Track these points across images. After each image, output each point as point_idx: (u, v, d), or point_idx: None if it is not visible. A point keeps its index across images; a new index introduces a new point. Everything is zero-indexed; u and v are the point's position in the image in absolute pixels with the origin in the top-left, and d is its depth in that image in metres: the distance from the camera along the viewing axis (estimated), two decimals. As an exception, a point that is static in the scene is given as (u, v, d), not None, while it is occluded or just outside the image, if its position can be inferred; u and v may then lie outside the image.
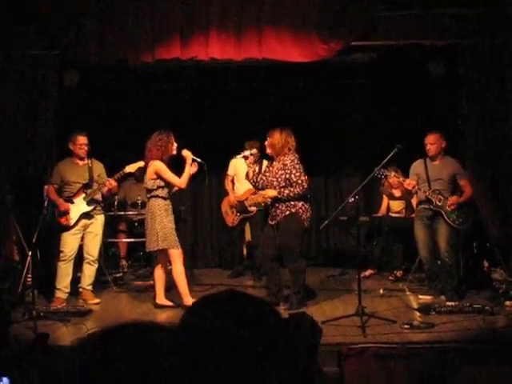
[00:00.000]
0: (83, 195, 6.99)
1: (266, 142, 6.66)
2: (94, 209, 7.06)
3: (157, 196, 6.59)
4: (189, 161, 6.65)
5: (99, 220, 7.17)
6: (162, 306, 6.69)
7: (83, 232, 7.05)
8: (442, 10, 7.01)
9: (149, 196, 6.65)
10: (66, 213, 6.90)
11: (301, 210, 6.46)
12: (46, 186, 7.17)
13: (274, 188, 6.51)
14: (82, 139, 7.03)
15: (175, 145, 6.66)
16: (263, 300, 1.26)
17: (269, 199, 6.69)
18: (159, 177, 6.55)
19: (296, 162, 6.52)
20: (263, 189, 6.71)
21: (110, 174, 7.13)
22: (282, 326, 1.15)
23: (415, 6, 7.00)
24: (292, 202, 6.45)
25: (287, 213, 6.46)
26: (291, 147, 6.58)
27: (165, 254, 6.70)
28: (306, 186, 6.50)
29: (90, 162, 7.14)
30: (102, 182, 7.02)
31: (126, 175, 7.16)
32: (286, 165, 6.50)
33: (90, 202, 7.00)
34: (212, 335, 0.93)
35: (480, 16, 6.94)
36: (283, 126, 6.63)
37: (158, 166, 6.55)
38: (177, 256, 6.62)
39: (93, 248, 7.12)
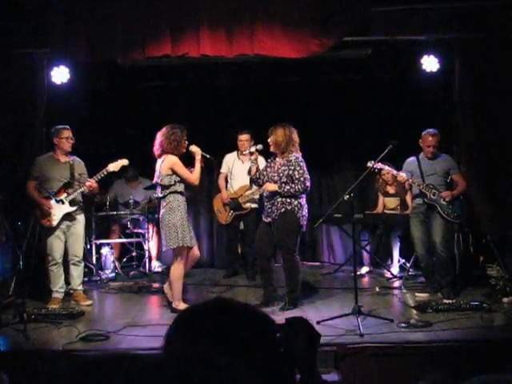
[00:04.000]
0: (65, 195, 6.84)
1: (270, 140, 6.46)
2: (76, 210, 6.93)
3: (175, 191, 6.34)
4: (198, 157, 6.46)
5: (80, 220, 7.02)
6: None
7: (66, 233, 6.92)
8: (436, 4, 6.93)
9: (167, 192, 6.35)
10: (49, 213, 6.76)
11: (296, 208, 6.35)
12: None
13: (275, 183, 6.40)
14: (67, 132, 6.90)
15: (186, 143, 6.46)
16: (254, 309, 1.16)
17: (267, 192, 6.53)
18: (174, 172, 6.36)
19: (300, 159, 6.41)
20: (263, 184, 6.58)
21: (94, 173, 6.97)
22: (276, 337, 1.06)
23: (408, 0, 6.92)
24: (288, 200, 6.34)
25: (282, 210, 6.35)
26: (295, 144, 6.47)
27: (185, 250, 6.42)
28: (308, 185, 6.39)
29: (71, 159, 6.99)
30: (82, 182, 6.89)
31: (109, 174, 6.99)
32: (291, 161, 6.38)
33: (72, 202, 6.86)
34: (196, 362, 0.84)
35: (477, 10, 6.85)
36: (284, 122, 6.52)
37: (173, 160, 6.31)
38: (184, 256, 6.40)
39: (77, 249, 7.01)
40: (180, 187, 6.38)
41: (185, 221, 6.33)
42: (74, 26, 6.89)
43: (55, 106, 7.43)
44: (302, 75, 8.86)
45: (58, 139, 6.88)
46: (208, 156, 6.61)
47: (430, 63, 7.52)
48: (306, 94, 9.13)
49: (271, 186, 6.42)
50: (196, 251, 6.63)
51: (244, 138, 8.15)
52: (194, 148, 6.49)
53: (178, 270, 6.40)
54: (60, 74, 7.40)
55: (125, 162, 6.98)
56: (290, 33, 6.86)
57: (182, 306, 6.32)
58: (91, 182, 6.83)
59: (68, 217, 6.88)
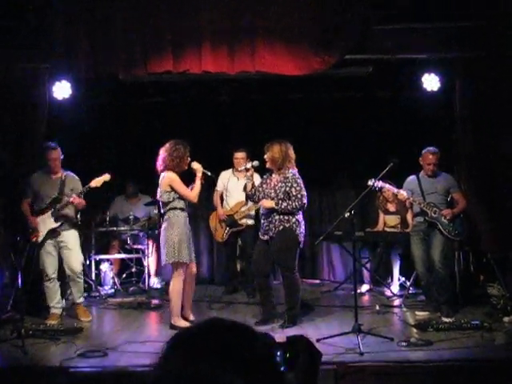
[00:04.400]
0: (51, 210, 6.82)
1: (266, 156, 6.47)
2: (62, 225, 6.86)
3: (175, 208, 6.34)
4: (199, 174, 6.45)
5: (71, 235, 6.95)
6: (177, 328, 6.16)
7: (59, 249, 6.89)
8: (437, 23, 6.96)
9: (167, 208, 6.36)
10: (35, 230, 6.75)
11: (294, 225, 6.33)
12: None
13: (272, 199, 6.37)
14: (54, 153, 6.86)
15: (189, 159, 6.45)
16: (254, 329, 1.15)
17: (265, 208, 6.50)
18: (173, 189, 6.35)
19: (297, 176, 6.39)
20: (259, 201, 6.55)
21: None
22: (277, 356, 1.05)
23: (410, 18, 6.94)
24: (286, 217, 6.32)
25: (280, 228, 6.32)
26: (292, 160, 6.46)
27: (183, 266, 6.38)
28: (305, 202, 6.36)
29: (63, 175, 6.96)
30: (69, 198, 6.83)
31: (92, 190, 6.91)
32: (287, 178, 6.36)
33: (58, 218, 6.83)
34: (198, 381, 0.83)
35: (477, 29, 6.88)
36: (280, 139, 6.51)
37: (172, 177, 6.31)
38: (182, 272, 6.35)
39: (74, 264, 6.93)
40: (180, 203, 6.36)
41: (183, 236, 6.31)
42: (76, 42, 6.90)
43: (57, 121, 7.43)
44: (302, 92, 8.88)
45: (46, 160, 6.88)
46: (209, 173, 6.60)
47: (431, 82, 7.53)
48: (307, 111, 9.14)
49: (268, 203, 6.40)
50: (193, 268, 6.58)
51: (240, 155, 8.15)
52: (195, 165, 6.48)
53: (176, 285, 6.35)
54: (62, 89, 7.39)
55: (107, 177, 6.87)
56: (292, 50, 6.88)
57: (180, 322, 6.28)
58: (73, 198, 6.76)
59: (55, 232, 6.85)
